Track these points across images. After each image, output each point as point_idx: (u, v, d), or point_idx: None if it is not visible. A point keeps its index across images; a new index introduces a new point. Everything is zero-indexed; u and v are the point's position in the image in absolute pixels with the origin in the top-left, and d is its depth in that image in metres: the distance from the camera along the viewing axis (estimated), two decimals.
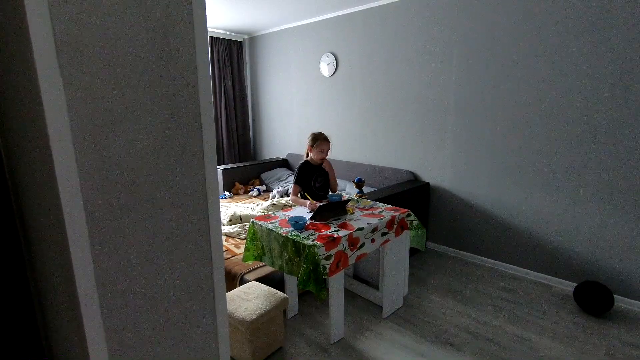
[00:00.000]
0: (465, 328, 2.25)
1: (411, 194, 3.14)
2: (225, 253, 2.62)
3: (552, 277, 2.77)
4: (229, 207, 3.55)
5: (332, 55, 3.97)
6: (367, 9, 3.57)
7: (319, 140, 2.63)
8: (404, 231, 2.38)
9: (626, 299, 2.46)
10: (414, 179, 3.45)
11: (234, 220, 3.25)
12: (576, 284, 2.55)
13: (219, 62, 4.80)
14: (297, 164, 3.98)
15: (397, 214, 2.31)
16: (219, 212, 0.60)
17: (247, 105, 5.26)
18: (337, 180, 3.74)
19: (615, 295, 2.48)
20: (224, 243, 2.83)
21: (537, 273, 2.85)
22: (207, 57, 0.55)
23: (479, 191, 3.07)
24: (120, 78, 0.46)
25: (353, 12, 3.70)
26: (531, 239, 2.84)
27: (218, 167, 4.47)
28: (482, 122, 2.96)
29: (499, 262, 3.05)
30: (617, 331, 2.21)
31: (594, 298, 2.34)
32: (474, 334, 2.19)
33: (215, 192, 0.59)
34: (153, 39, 0.48)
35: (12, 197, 0.67)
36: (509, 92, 2.78)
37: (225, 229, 3.07)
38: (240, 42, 5.03)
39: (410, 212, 2.42)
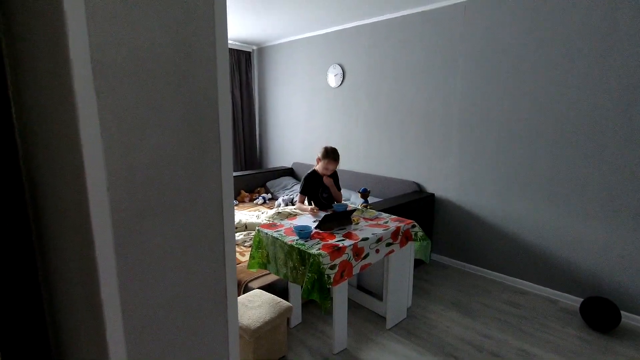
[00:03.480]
0: (470, 341, 2.23)
1: (416, 205, 3.14)
2: None
3: (558, 292, 2.75)
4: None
5: (339, 67, 4.03)
6: (374, 22, 3.64)
7: (329, 158, 2.62)
8: (409, 242, 2.38)
9: (634, 316, 2.43)
10: (419, 190, 3.46)
11: (239, 227, 3.27)
12: (582, 299, 2.52)
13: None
14: (302, 172, 4.01)
15: (402, 224, 2.32)
16: (233, 219, 0.63)
17: (254, 114, 5.33)
18: (343, 190, 3.75)
19: (622, 312, 2.45)
20: None
21: (543, 287, 2.82)
22: (227, 73, 0.59)
23: (484, 203, 3.07)
24: (146, 93, 0.50)
25: (360, 25, 3.77)
26: (537, 252, 2.83)
27: None
28: (487, 134, 2.98)
29: (505, 275, 3.03)
30: (624, 348, 2.18)
31: (601, 314, 2.31)
32: (478, 347, 2.18)
33: (230, 200, 0.62)
34: (178, 57, 0.52)
35: (28, 202, 0.70)
36: (514, 104, 2.81)
37: None
38: (249, 52, 5.12)
39: (415, 223, 2.43)
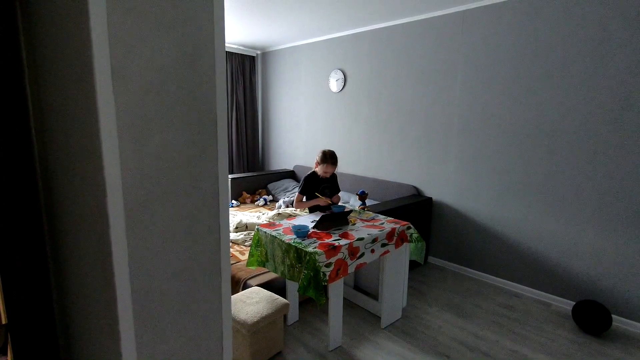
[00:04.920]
0: (462, 342, 2.28)
1: (413, 208, 3.20)
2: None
3: (552, 295, 2.79)
4: (235, 215, 3.65)
5: (340, 72, 4.12)
6: (375, 29, 3.73)
7: (327, 163, 2.69)
8: (404, 243, 2.44)
9: (625, 320, 2.47)
10: (417, 193, 3.52)
11: (239, 227, 3.34)
12: (575, 303, 2.56)
13: (232, 76, 4.99)
14: (303, 175, 4.08)
15: (397, 226, 2.39)
16: (227, 206, 0.70)
17: (257, 118, 5.42)
18: (342, 192, 3.82)
19: (614, 315, 2.49)
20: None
21: (537, 290, 2.87)
22: (224, 81, 0.67)
23: (481, 207, 3.12)
24: (155, 95, 0.58)
25: (362, 32, 3.86)
26: (531, 257, 2.88)
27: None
28: (485, 140, 3.04)
29: (499, 279, 3.08)
30: (615, 351, 2.22)
31: (592, 317, 2.35)
32: (470, 347, 2.22)
33: (225, 189, 0.70)
34: (182, 66, 0.60)
35: (41, 195, 0.78)
36: (511, 111, 2.87)
37: (231, 236, 3.16)
38: (253, 56, 5.23)
39: (411, 224, 2.49)
